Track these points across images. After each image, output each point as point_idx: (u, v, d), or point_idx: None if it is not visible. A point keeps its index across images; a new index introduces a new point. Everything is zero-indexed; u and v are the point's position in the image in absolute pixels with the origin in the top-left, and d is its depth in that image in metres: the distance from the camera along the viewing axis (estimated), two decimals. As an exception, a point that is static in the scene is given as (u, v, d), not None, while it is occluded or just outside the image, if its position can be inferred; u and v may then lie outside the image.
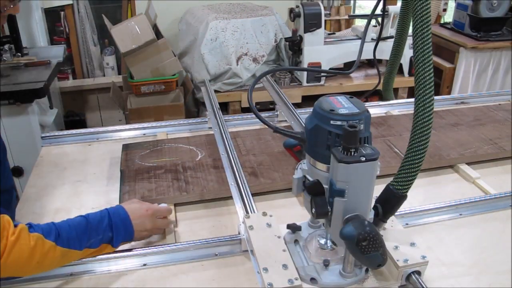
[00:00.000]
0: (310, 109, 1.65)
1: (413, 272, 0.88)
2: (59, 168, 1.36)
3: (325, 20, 3.09)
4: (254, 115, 0.92)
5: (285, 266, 0.86)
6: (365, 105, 0.81)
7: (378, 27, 3.01)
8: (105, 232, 0.94)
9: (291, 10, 2.90)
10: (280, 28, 2.97)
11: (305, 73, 2.89)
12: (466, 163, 1.35)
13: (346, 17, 3.76)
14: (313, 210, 0.81)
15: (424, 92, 0.81)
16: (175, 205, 1.17)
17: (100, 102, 3.37)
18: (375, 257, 0.77)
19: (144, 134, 1.56)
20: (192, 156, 1.35)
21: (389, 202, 0.87)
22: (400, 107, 1.74)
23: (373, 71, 3.14)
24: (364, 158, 0.74)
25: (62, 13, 3.17)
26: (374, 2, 1.25)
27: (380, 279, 0.89)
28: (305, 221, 1.02)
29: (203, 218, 1.15)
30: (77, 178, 1.31)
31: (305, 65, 2.86)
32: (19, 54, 2.50)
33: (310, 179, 0.83)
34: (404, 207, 1.13)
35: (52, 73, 2.38)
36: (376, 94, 3.21)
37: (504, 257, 1.00)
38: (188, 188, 1.20)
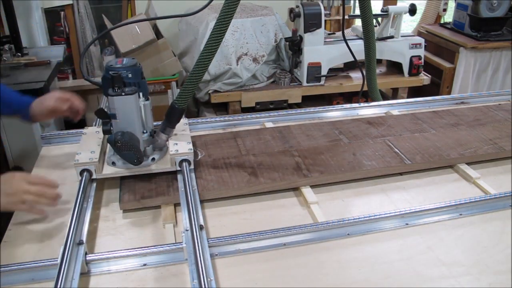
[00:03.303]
0: (310, 109, 1.65)
1: (183, 160, 1.21)
2: (59, 168, 1.36)
3: (325, 20, 3.09)
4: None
5: None
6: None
7: (378, 27, 3.02)
8: None
9: (291, 10, 2.90)
10: (280, 28, 2.97)
11: (305, 73, 2.88)
12: (466, 163, 1.35)
13: (346, 17, 3.76)
14: (102, 127, 1.18)
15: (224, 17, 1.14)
16: (175, 205, 1.17)
17: (100, 102, 3.36)
18: (129, 155, 1.13)
19: (144, 134, 1.57)
20: (192, 156, 1.36)
21: (173, 115, 1.24)
22: (400, 107, 1.73)
23: (373, 71, 3.13)
24: (124, 93, 1.12)
25: (62, 13, 3.17)
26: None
27: (161, 163, 1.23)
28: None
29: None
30: (77, 178, 1.31)
31: (305, 65, 2.86)
32: (19, 54, 2.50)
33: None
34: (404, 207, 1.14)
35: (52, 73, 2.38)
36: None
37: (504, 257, 1.00)
38: (188, 188, 1.20)
